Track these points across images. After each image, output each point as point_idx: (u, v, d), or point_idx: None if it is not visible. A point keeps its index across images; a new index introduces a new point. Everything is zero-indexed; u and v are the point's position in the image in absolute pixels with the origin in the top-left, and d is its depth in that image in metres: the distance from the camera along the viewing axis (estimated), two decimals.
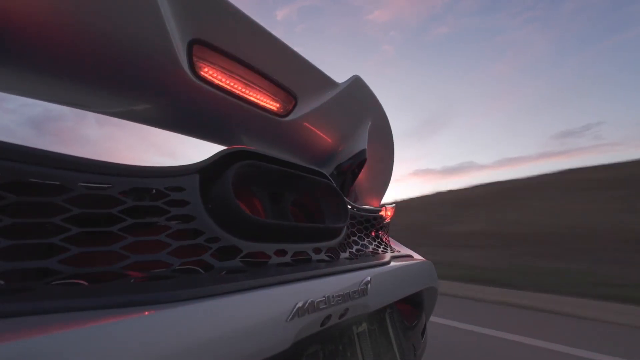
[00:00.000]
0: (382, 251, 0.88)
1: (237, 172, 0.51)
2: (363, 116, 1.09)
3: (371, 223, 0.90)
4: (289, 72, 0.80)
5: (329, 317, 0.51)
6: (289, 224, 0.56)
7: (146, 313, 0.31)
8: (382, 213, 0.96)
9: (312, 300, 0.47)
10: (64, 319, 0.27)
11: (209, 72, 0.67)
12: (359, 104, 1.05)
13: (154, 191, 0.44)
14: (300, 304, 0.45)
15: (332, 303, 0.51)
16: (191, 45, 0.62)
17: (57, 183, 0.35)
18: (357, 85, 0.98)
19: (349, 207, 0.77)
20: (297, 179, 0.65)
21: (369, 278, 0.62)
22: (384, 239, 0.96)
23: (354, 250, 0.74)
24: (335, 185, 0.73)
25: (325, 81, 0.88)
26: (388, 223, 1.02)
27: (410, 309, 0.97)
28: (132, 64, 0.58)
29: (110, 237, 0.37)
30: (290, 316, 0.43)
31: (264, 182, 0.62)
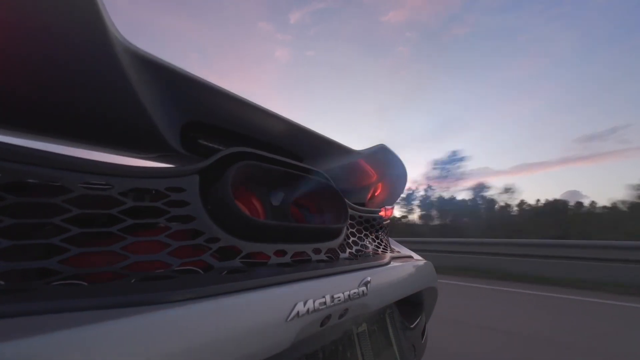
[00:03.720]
0: (381, 251, 0.88)
1: (237, 173, 0.51)
2: (377, 177, 1.07)
3: (371, 223, 0.91)
4: (292, 141, 0.79)
5: (328, 317, 0.51)
6: (288, 225, 0.56)
7: (146, 313, 0.31)
8: (382, 213, 0.96)
9: (311, 301, 0.47)
10: (64, 319, 0.27)
11: (206, 145, 0.68)
12: (377, 169, 1.03)
13: (153, 192, 0.44)
14: (299, 304, 0.45)
15: (332, 303, 0.51)
16: (186, 126, 0.62)
17: (58, 184, 0.35)
18: (380, 154, 0.96)
19: (349, 207, 0.77)
20: (297, 179, 0.65)
21: (368, 278, 0.62)
22: (383, 240, 0.96)
23: (353, 250, 0.74)
24: (334, 186, 0.73)
25: (341, 149, 0.87)
26: (388, 223, 1.02)
27: (410, 309, 0.97)
28: (123, 144, 0.58)
29: (111, 237, 0.37)
30: (290, 316, 0.44)
31: (264, 182, 0.63)
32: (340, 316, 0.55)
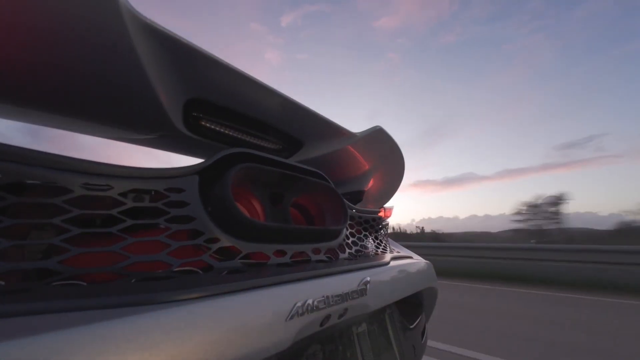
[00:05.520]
0: (381, 252, 0.88)
1: (237, 174, 0.52)
2: (375, 162, 1.06)
3: (370, 224, 0.91)
4: (294, 123, 0.79)
5: (328, 317, 0.51)
6: (287, 227, 0.56)
7: (146, 313, 0.31)
8: (381, 214, 0.96)
9: (311, 301, 0.47)
10: (64, 319, 0.27)
11: (207, 125, 0.67)
12: (375, 152, 1.02)
13: (153, 192, 0.44)
14: (299, 304, 0.45)
15: (332, 303, 0.51)
16: (188, 103, 0.61)
17: (58, 184, 0.35)
18: (377, 135, 0.96)
19: (348, 208, 0.77)
20: (297, 181, 0.65)
21: (368, 278, 0.62)
22: (383, 240, 0.96)
23: (353, 250, 0.74)
24: (334, 187, 0.73)
25: (339, 132, 0.87)
26: (387, 224, 1.02)
27: (410, 309, 0.97)
28: (127, 120, 0.57)
29: (110, 237, 0.38)
30: (290, 316, 0.44)
31: (263, 183, 0.63)
32: (340, 316, 0.55)
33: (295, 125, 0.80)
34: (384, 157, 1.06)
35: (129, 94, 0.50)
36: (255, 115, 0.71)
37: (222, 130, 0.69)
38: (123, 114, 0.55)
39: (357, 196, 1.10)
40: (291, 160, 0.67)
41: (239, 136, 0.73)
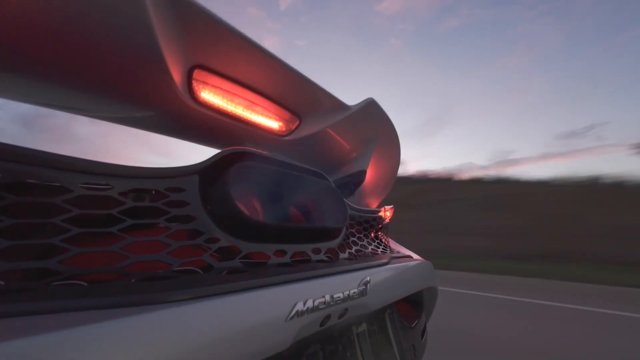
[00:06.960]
0: (381, 252, 0.88)
1: (237, 173, 0.52)
2: (371, 138, 1.07)
3: (370, 224, 0.91)
4: (293, 95, 0.79)
5: (328, 317, 0.51)
6: (287, 225, 0.56)
7: (146, 313, 0.31)
8: (382, 214, 0.96)
9: (311, 301, 0.47)
10: (64, 319, 0.27)
11: (210, 95, 0.67)
12: (369, 127, 1.03)
13: (153, 192, 0.44)
14: (299, 304, 0.45)
15: (332, 303, 0.51)
16: (192, 71, 0.60)
17: (58, 184, 0.35)
18: (370, 108, 0.96)
19: (348, 207, 0.77)
20: (297, 180, 0.65)
21: (368, 278, 0.62)
22: (383, 240, 0.96)
23: (353, 250, 0.74)
24: (334, 186, 0.73)
25: (334, 103, 0.87)
26: (387, 224, 1.02)
27: (410, 309, 0.97)
28: (130, 88, 0.56)
29: (110, 237, 0.38)
30: (290, 316, 0.44)
31: (263, 182, 0.63)
32: (340, 316, 0.55)
33: (294, 96, 0.80)
34: (378, 132, 1.06)
35: (136, 55, 0.49)
36: (257, 85, 0.71)
37: (223, 103, 0.69)
38: (128, 79, 0.54)
39: (359, 176, 1.10)
40: (292, 160, 0.67)
41: (240, 111, 0.73)
